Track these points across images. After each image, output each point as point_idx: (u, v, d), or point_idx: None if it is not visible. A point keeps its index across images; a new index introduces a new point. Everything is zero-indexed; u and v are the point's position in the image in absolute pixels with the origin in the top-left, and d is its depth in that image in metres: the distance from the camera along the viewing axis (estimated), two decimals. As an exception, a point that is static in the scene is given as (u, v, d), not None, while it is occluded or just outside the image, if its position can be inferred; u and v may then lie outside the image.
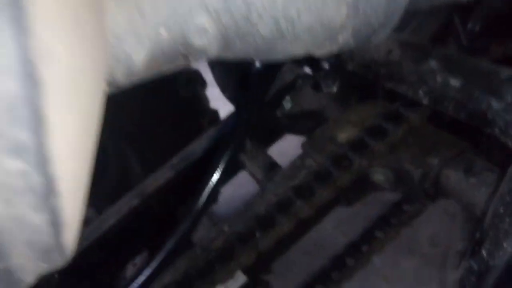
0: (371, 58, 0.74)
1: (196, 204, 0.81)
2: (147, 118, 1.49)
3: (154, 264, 0.81)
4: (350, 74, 0.79)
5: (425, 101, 0.65)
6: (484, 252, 0.55)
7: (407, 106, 0.81)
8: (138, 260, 1.21)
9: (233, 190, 2.12)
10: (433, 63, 0.67)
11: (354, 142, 0.81)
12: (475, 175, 0.72)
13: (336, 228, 1.90)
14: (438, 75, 0.63)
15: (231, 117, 1.16)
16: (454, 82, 0.63)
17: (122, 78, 0.39)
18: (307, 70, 1.17)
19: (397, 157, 0.80)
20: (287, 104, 1.11)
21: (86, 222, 1.12)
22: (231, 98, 1.33)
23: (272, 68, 0.94)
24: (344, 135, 0.85)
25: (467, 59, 0.67)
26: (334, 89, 0.85)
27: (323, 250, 1.81)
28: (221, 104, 1.51)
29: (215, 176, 0.89)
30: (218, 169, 0.88)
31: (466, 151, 0.77)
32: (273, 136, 1.21)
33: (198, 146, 1.11)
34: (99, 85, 0.30)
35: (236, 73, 1.21)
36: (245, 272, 0.88)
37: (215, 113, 1.60)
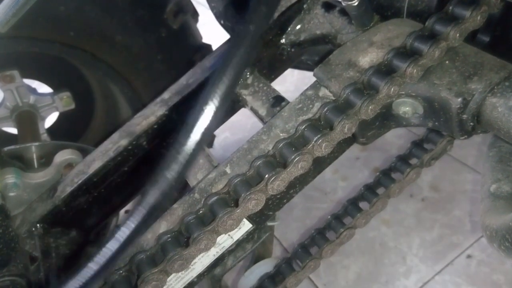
0: None
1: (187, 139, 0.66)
2: (133, 54, 1.33)
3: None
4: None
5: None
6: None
7: (444, 21, 0.67)
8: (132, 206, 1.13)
9: (225, 137, 2.01)
10: None
11: (380, 66, 0.68)
12: (529, 103, 0.60)
13: (336, 173, 1.83)
14: None
15: (228, 44, 1.01)
16: None
17: None
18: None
19: (431, 83, 0.67)
20: (293, 29, 0.97)
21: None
22: (227, 26, 1.18)
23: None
24: (367, 58, 0.71)
25: None
26: (356, 2, 0.70)
27: (324, 196, 1.74)
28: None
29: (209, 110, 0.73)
30: (212, 102, 0.73)
31: (515, 74, 0.64)
32: (276, 67, 1.06)
33: (191, 78, 0.97)
34: None
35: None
36: (250, 218, 0.77)
37: (208, 48, 1.45)
